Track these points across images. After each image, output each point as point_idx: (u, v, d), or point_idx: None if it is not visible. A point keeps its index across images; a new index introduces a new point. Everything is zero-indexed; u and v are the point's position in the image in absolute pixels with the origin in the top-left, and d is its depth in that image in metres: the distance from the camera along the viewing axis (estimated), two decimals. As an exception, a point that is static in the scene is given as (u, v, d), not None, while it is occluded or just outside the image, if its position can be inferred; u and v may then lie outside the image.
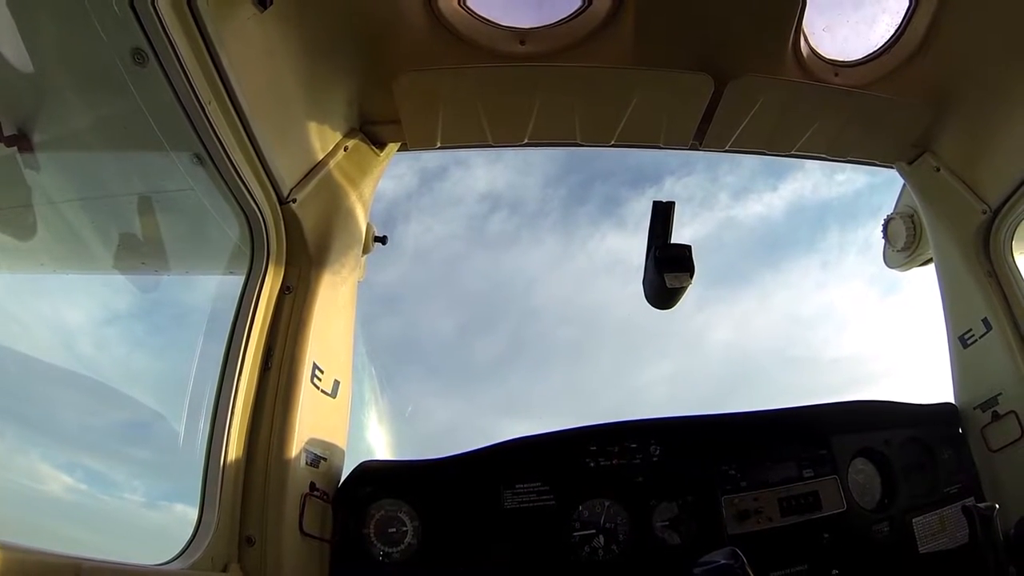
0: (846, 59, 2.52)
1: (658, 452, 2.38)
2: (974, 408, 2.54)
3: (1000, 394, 2.45)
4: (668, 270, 2.41)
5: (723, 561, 1.72)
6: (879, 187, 3.20)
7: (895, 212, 3.16)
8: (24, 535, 1.21)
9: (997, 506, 1.93)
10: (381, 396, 3.00)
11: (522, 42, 2.37)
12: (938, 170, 2.70)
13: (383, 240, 2.82)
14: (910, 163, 2.81)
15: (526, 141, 2.60)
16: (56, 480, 1.98)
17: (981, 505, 1.97)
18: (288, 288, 2.21)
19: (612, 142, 2.63)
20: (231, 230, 2.13)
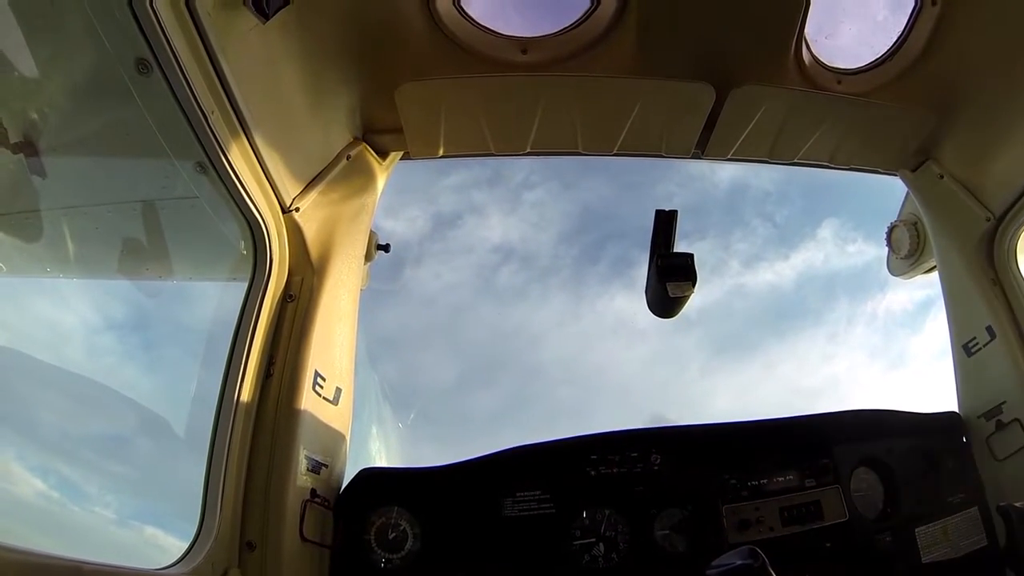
0: (848, 67, 2.52)
1: (659, 461, 2.37)
2: (978, 417, 2.52)
3: (1004, 402, 2.43)
4: (670, 279, 2.42)
5: (740, 562, 1.64)
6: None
7: (898, 220, 3.15)
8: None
9: None
10: (383, 404, 3.01)
11: (524, 51, 2.38)
12: (941, 177, 2.70)
13: (386, 248, 2.83)
14: (913, 171, 2.80)
15: (528, 150, 2.61)
16: (55, 485, 1.99)
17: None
18: (291, 296, 2.22)
19: (614, 151, 2.63)
20: (234, 238, 2.15)
